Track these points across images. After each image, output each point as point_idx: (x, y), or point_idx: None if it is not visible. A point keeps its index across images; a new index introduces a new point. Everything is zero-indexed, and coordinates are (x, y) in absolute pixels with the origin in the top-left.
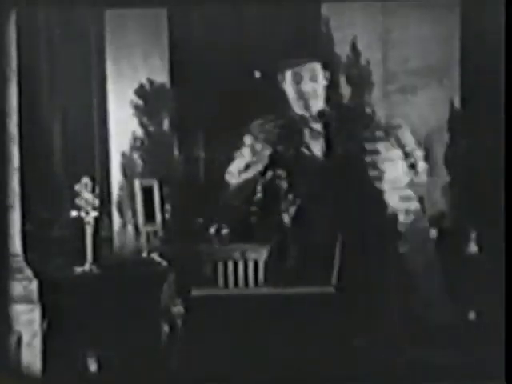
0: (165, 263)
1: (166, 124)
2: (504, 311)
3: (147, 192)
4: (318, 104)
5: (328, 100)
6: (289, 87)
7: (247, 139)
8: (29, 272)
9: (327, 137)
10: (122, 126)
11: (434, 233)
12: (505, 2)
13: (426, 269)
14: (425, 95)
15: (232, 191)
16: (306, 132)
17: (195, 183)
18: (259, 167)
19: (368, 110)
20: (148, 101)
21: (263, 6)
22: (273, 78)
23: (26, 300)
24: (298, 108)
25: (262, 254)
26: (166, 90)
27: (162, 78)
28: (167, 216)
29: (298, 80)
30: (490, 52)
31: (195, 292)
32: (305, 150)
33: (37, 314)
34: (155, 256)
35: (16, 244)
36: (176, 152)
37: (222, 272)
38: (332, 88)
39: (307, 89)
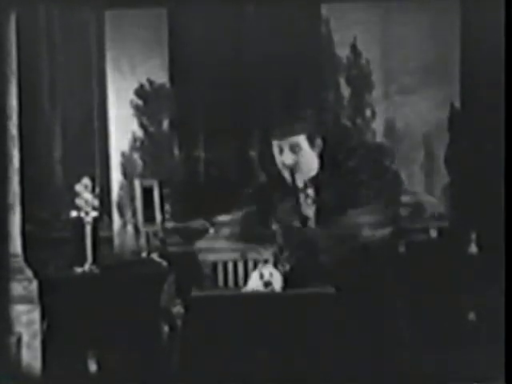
0: (164, 263)
1: (165, 124)
2: (504, 311)
3: (147, 192)
4: (306, 174)
5: (322, 166)
6: (276, 157)
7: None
8: (29, 272)
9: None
10: (122, 126)
11: (434, 233)
12: (505, 1)
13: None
14: (425, 95)
15: None
16: (301, 197)
17: (195, 183)
18: None
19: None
20: (148, 101)
21: (263, 5)
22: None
23: (26, 300)
24: (287, 178)
25: (261, 255)
26: (165, 90)
27: (162, 78)
28: (167, 216)
29: (280, 151)
30: (490, 52)
31: (195, 292)
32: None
33: (37, 314)
34: (155, 256)
35: (16, 244)
36: (176, 152)
37: (222, 272)
38: (325, 154)
39: (288, 161)
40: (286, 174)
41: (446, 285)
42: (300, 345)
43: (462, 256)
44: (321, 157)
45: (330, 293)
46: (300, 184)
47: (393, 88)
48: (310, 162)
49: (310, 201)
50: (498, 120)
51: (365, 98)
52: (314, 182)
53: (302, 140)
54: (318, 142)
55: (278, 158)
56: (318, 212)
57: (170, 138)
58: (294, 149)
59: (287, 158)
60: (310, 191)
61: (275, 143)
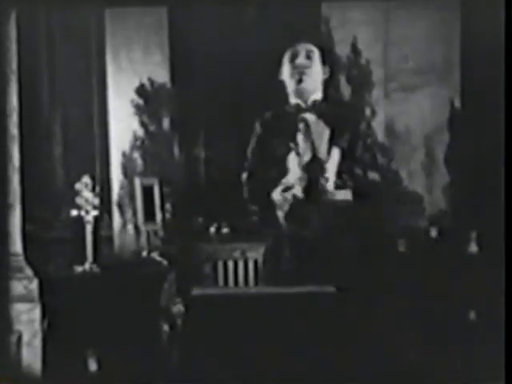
0: (165, 262)
1: (166, 123)
2: (504, 311)
3: (147, 191)
4: (311, 89)
5: (325, 97)
6: (284, 66)
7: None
8: (29, 271)
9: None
10: (123, 126)
11: (434, 233)
12: (505, 1)
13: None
14: (425, 94)
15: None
16: (300, 128)
17: (195, 182)
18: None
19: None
20: (148, 100)
21: (263, 4)
22: (273, 73)
23: (27, 299)
24: (293, 95)
25: (260, 254)
26: (166, 89)
27: (163, 77)
28: (167, 215)
29: (293, 57)
30: (490, 51)
31: (195, 291)
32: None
33: (37, 313)
34: (155, 255)
35: (16, 243)
36: (176, 151)
37: (222, 271)
38: (331, 86)
39: (301, 62)
40: (293, 83)
41: (445, 285)
42: (300, 345)
43: (462, 255)
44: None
45: (330, 293)
46: (302, 104)
47: (393, 87)
48: (318, 78)
49: (308, 135)
50: (498, 120)
51: (365, 98)
52: (316, 108)
53: (316, 51)
54: (327, 68)
55: (287, 67)
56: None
57: (171, 137)
58: (310, 54)
59: (302, 59)
60: (310, 116)
61: (289, 51)
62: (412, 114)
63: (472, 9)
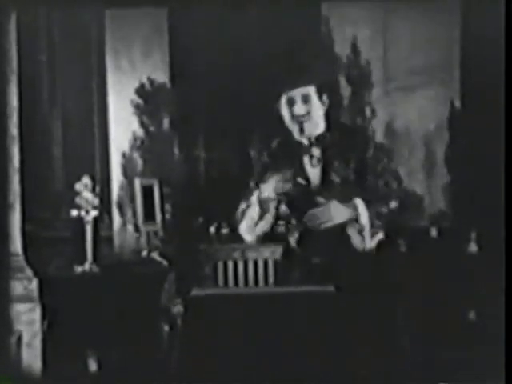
0: (165, 263)
1: (166, 123)
2: (504, 311)
3: (147, 191)
4: (313, 129)
5: (329, 126)
6: (284, 111)
7: (254, 197)
8: (29, 271)
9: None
10: (122, 126)
11: (434, 233)
12: (505, 1)
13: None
14: (425, 94)
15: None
16: (306, 158)
17: (195, 183)
18: (270, 219)
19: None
20: (148, 100)
21: (263, 5)
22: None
23: (27, 299)
24: (295, 133)
25: (261, 254)
26: (166, 89)
27: (163, 77)
28: (167, 216)
29: (290, 103)
30: (490, 51)
31: (195, 292)
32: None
33: (37, 313)
34: (155, 255)
35: (16, 243)
36: (176, 151)
37: (222, 272)
38: (333, 113)
39: (299, 111)
40: (295, 129)
41: (445, 285)
42: (300, 345)
43: (462, 255)
44: (327, 117)
45: (330, 292)
46: (305, 142)
47: (393, 87)
48: (318, 115)
49: (314, 161)
50: (498, 120)
51: (365, 98)
52: (320, 141)
53: (312, 91)
54: (325, 98)
55: (287, 112)
56: (322, 174)
57: (171, 138)
58: (306, 98)
59: (299, 108)
60: (315, 151)
61: (285, 97)
62: (412, 114)
63: (472, 9)
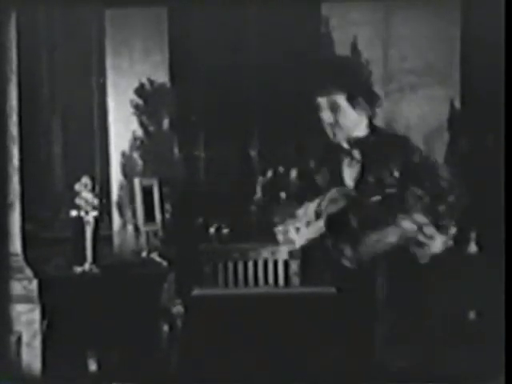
0: (165, 263)
1: (165, 124)
2: (504, 311)
3: (147, 191)
4: (352, 132)
5: (371, 129)
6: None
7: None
8: (29, 272)
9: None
10: (122, 126)
11: None
12: (505, 2)
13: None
14: (425, 95)
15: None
16: (345, 159)
17: (195, 183)
18: (321, 227)
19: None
20: (148, 100)
21: (263, 5)
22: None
23: (26, 300)
24: (330, 135)
25: (260, 254)
26: (166, 89)
27: (162, 77)
28: (167, 216)
29: (319, 108)
30: (490, 51)
31: (195, 292)
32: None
33: (37, 313)
34: (155, 256)
35: (16, 243)
36: (176, 152)
37: (222, 272)
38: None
39: (328, 120)
40: (328, 130)
41: (445, 285)
42: (300, 345)
43: (462, 256)
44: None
45: (331, 293)
46: (345, 144)
47: (393, 87)
48: (351, 121)
49: (354, 163)
50: (498, 120)
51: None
52: (361, 144)
53: (340, 99)
54: (361, 100)
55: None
56: (362, 177)
57: (170, 138)
58: (334, 107)
59: (326, 115)
60: (356, 153)
61: (318, 100)
62: (412, 114)
63: (472, 9)
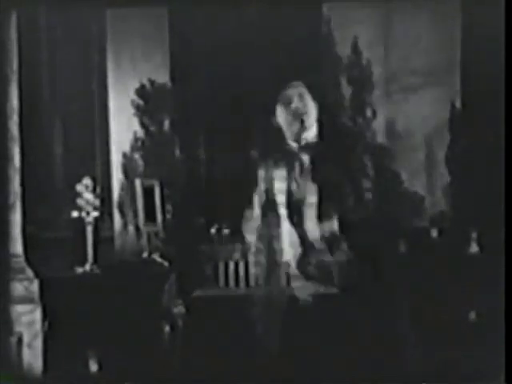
0: (166, 264)
1: (166, 124)
2: (504, 311)
3: (148, 192)
4: (309, 131)
5: (321, 128)
6: (281, 114)
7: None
8: (30, 272)
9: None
10: (123, 126)
11: (434, 233)
12: (505, 2)
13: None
14: (426, 95)
15: None
16: (296, 166)
17: (196, 183)
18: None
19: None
20: (149, 101)
21: (263, 5)
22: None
23: (27, 300)
24: (289, 136)
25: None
26: (166, 90)
27: (163, 78)
28: (168, 216)
29: (288, 101)
30: (490, 52)
31: (196, 292)
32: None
33: (38, 314)
34: (156, 256)
35: (17, 244)
36: (177, 152)
37: (223, 272)
38: (324, 113)
39: (298, 106)
40: (294, 127)
41: (445, 285)
42: (300, 344)
43: (462, 256)
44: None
45: (331, 293)
46: (298, 143)
47: (393, 88)
48: (312, 114)
49: (305, 167)
50: (498, 120)
51: (365, 98)
52: (311, 150)
53: (304, 91)
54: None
55: (282, 116)
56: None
57: (171, 138)
58: (302, 96)
59: (298, 104)
60: (305, 158)
61: (281, 95)
62: (413, 114)
63: (472, 9)
